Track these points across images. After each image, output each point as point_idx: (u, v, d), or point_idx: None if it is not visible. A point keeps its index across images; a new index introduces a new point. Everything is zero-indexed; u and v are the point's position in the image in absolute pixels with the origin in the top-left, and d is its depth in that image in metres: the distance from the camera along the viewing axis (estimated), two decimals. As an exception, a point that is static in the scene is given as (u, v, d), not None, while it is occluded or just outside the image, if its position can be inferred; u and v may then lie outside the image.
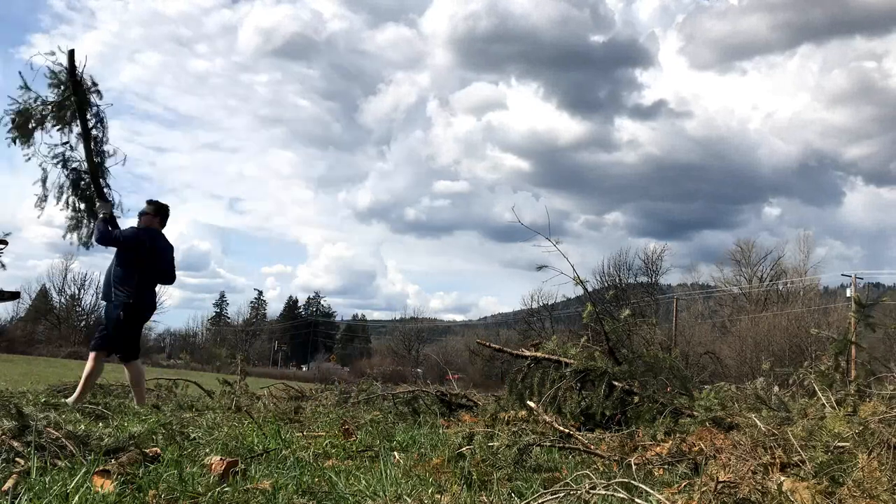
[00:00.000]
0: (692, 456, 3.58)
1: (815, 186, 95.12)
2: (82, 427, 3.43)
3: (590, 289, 7.22)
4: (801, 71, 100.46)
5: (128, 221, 6.37)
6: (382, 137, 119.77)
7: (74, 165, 6.43)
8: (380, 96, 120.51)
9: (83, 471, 2.61)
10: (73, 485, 2.41)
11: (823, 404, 4.01)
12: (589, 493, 2.40)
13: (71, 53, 6.11)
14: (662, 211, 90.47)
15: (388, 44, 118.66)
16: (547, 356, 5.94)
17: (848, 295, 34.84)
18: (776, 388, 5.04)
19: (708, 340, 36.93)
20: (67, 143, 6.36)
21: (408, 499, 2.63)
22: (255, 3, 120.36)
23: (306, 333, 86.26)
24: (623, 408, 5.32)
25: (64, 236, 6.56)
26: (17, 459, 2.76)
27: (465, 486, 2.89)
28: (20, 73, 6.23)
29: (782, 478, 2.54)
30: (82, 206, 6.52)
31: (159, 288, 6.65)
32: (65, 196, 6.48)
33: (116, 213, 6.34)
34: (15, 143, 6.20)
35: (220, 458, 2.93)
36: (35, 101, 6.20)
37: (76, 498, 2.31)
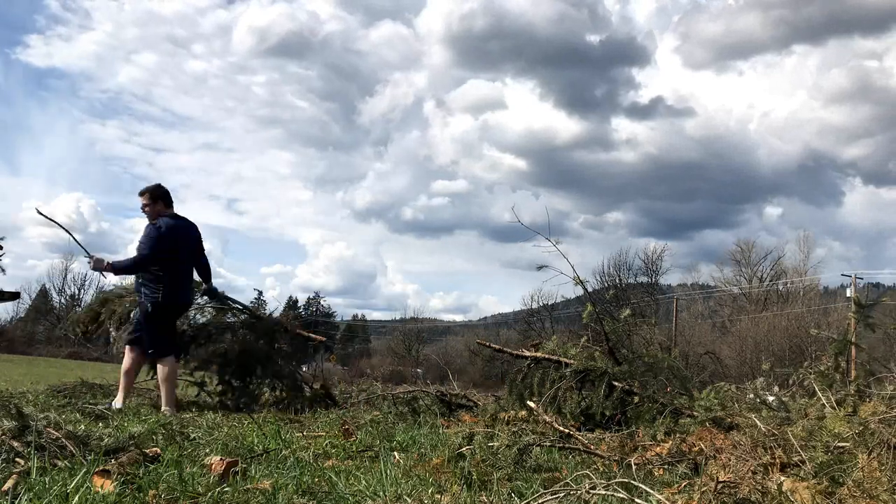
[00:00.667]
0: (692, 456, 3.58)
1: (814, 186, 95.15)
2: (82, 427, 3.43)
3: (590, 289, 7.23)
4: (798, 70, 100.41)
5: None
6: (380, 138, 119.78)
7: None
8: (377, 96, 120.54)
9: (83, 471, 2.61)
10: (73, 485, 2.41)
11: (823, 404, 4.01)
12: (589, 493, 2.40)
13: None
14: (662, 210, 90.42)
15: (385, 43, 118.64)
16: (547, 356, 5.94)
17: (848, 295, 34.84)
18: (776, 388, 5.05)
19: (708, 340, 36.91)
20: None
21: (408, 499, 2.63)
22: (250, 2, 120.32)
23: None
24: (623, 408, 5.32)
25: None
26: (17, 459, 2.76)
27: (465, 486, 2.89)
28: None
29: (782, 478, 2.54)
30: None
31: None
32: None
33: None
34: None
35: (220, 458, 2.94)
36: None
37: (76, 498, 2.31)
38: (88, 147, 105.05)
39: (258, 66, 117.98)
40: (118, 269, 5.98)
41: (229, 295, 7.17)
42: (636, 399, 5.32)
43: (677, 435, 4.16)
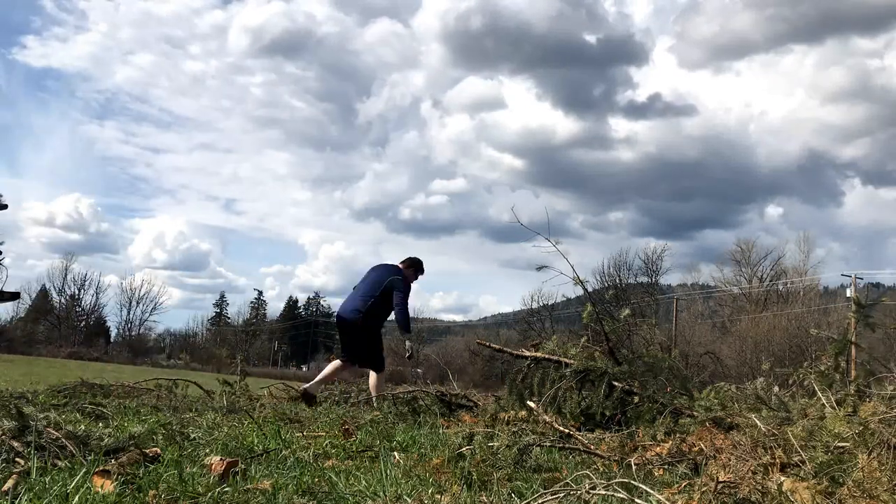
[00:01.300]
0: (692, 456, 3.57)
1: (814, 186, 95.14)
2: (82, 427, 3.43)
3: (590, 289, 7.22)
4: (797, 69, 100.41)
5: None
6: (378, 138, 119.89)
7: None
8: (374, 97, 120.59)
9: (83, 471, 2.61)
10: (73, 485, 2.41)
11: (823, 404, 4.01)
12: (589, 493, 2.40)
13: None
14: (662, 210, 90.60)
15: (382, 43, 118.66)
16: (547, 356, 5.94)
17: (848, 295, 34.84)
18: (776, 389, 5.04)
19: (708, 340, 36.93)
20: None
21: (408, 499, 2.63)
22: (246, 2, 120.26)
23: (306, 333, 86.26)
24: (623, 408, 5.32)
25: None
26: (17, 459, 2.76)
27: (465, 487, 2.89)
28: None
29: (782, 478, 2.54)
30: None
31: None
32: None
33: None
34: None
35: (220, 459, 2.93)
36: None
37: (76, 498, 2.31)
38: (87, 148, 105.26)
39: (255, 66, 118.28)
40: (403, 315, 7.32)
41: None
42: (636, 399, 5.31)
43: (677, 435, 4.16)
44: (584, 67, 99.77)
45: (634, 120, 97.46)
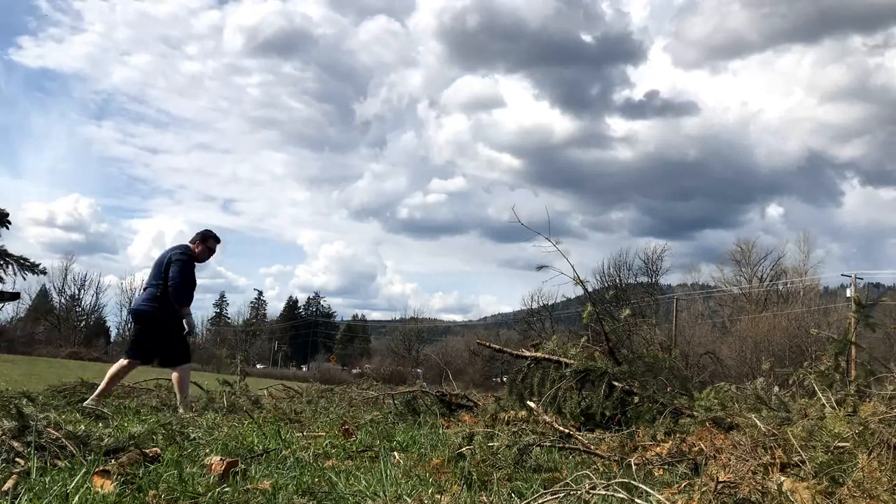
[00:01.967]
0: (692, 456, 3.57)
1: (814, 186, 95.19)
2: (82, 427, 3.43)
3: (590, 289, 7.22)
4: (795, 68, 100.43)
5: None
6: (375, 138, 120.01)
7: None
8: (371, 97, 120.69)
9: (83, 471, 2.61)
10: (73, 485, 2.41)
11: (823, 404, 4.01)
12: (589, 493, 2.40)
13: None
14: (662, 209, 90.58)
15: (378, 42, 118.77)
16: (547, 356, 5.94)
17: (848, 295, 34.82)
18: (776, 389, 5.04)
19: (708, 340, 36.90)
20: None
21: (408, 499, 2.63)
22: (242, 2, 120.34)
23: (306, 334, 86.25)
24: (623, 408, 5.32)
25: None
26: (17, 459, 2.76)
27: (465, 486, 2.89)
28: None
29: (782, 478, 2.54)
30: None
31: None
32: None
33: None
34: None
35: (220, 459, 2.93)
36: None
37: (76, 498, 2.31)
38: (85, 148, 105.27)
39: (252, 66, 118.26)
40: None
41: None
42: (636, 399, 5.31)
43: (677, 435, 4.16)
44: (581, 66, 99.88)
45: (632, 119, 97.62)
